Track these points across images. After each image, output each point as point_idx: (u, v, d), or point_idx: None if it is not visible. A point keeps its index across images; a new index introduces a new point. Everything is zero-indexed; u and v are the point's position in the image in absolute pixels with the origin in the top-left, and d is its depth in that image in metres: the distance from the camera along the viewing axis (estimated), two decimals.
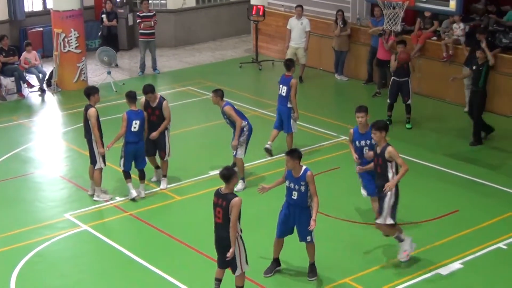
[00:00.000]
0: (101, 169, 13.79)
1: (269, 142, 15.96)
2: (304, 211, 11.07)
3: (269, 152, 15.92)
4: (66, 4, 20.73)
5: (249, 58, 23.61)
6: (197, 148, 16.71)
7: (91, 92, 13.90)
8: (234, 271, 10.38)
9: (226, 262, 10.27)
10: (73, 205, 13.76)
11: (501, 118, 17.62)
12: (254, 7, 23.16)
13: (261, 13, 22.89)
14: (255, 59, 23.24)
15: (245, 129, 14.15)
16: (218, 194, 10.19)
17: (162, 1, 25.63)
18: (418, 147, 16.37)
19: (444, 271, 11.40)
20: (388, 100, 17.64)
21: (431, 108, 19.04)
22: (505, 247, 12.10)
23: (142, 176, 14.01)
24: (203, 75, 22.15)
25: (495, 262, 11.75)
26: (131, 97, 13.91)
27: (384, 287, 10.97)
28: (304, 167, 11.00)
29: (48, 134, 17.52)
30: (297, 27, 21.27)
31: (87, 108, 13.70)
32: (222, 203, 10.07)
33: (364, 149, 12.58)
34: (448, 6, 15.35)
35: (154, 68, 22.60)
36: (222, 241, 10.21)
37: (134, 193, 13.85)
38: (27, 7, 24.59)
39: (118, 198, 13.97)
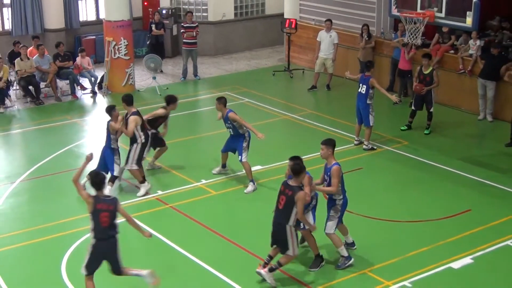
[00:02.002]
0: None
1: (356, 138, 16.63)
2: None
3: (361, 143, 16.59)
4: (117, 14, 20.90)
5: (282, 67, 23.63)
6: None
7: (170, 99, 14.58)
8: (283, 252, 10.55)
9: (277, 242, 10.57)
10: (119, 198, 13.82)
11: (508, 124, 17.36)
12: (287, 20, 23.19)
13: (293, 26, 22.92)
14: (287, 68, 23.25)
15: (246, 134, 14.17)
16: (286, 184, 10.39)
17: (204, 14, 25.73)
18: (435, 151, 16.28)
19: (456, 265, 11.33)
20: (413, 107, 17.59)
21: (447, 115, 18.91)
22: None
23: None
24: (239, 82, 22.21)
25: (503, 258, 11.66)
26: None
27: (400, 278, 10.94)
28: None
29: (98, 132, 17.66)
30: (326, 39, 21.25)
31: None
32: (288, 192, 10.26)
33: (324, 183, 11.28)
34: (465, 22, 15.23)
35: (195, 74, 22.70)
36: (277, 225, 10.52)
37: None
38: (82, 17, 24.85)
39: (159, 192, 14.05)
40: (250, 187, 14.16)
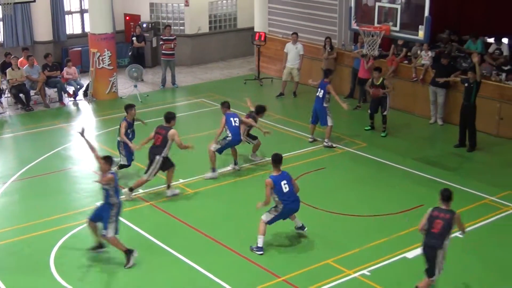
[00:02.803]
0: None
1: (310, 136, 16.88)
2: None
3: (314, 140, 16.85)
4: (101, 28, 20.77)
5: (252, 76, 23.62)
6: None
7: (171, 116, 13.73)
8: (430, 276, 9.99)
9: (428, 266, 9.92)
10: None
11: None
12: (257, 33, 23.20)
13: (262, 38, 22.93)
14: (257, 77, 23.24)
15: (227, 138, 14.57)
16: (439, 209, 9.94)
17: (181, 27, 25.64)
18: (392, 152, 16.37)
19: (410, 255, 11.42)
20: (369, 111, 17.78)
21: (402, 120, 19.02)
22: (461, 236, 12.07)
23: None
24: (214, 89, 22.15)
25: (453, 248, 11.68)
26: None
27: (360, 267, 11.00)
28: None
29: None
30: (293, 50, 21.30)
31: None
32: (445, 216, 9.85)
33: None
34: (417, 35, 15.35)
35: (173, 83, 22.61)
36: (431, 249, 9.89)
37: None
38: (69, 30, 24.65)
39: (141, 190, 13.97)
40: (210, 174, 14.52)
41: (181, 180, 14.51)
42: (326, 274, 10.83)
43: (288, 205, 11.37)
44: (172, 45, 22.04)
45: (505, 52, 19.09)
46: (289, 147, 16.39)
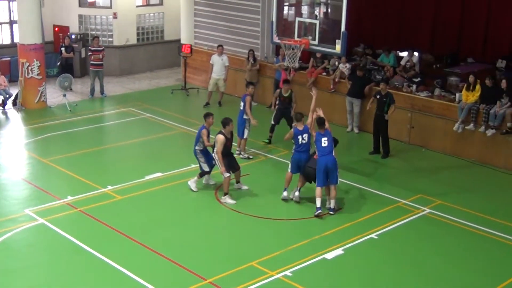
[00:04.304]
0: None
1: (237, 149, 16.30)
2: None
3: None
4: (30, 39, 20.23)
5: (179, 86, 23.46)
6: (135, 156, 16.50)
7: (225, 122, 13.81)
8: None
9: None
10: (32, 203, 13.37)
11: (371, 135, 17.79)
12: (184, 45, 23.07)
13: (189, 50, 22.83)
14: (183, 87, 23.11)
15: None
16: None
17: (110, 39, 25.26)
18: None
19: (329, 256, 11.51)
20: (273, 122, 17.55)
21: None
22: (376, 237, 12.32)
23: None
24: (142, 99, 21.88)
25: (368, 248, 11.94)
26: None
27: (282, 268, 11.00)
28: None
29: (13, 144, 17.03)
30: (218, 62, 21.27)
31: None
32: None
33: None
34: (334, 49, 15.60)
35: (102, 92, 22.21)
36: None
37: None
38: None
39: (69, 197, 13.65)
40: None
41: (110, 187, 14.25)
42: (250, 276, 10.79)
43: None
44: (101, 55, 21.68)
45: (416, 64, 19.60)
46: None
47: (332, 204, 13.27)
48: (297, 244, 11.95)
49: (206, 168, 14.20)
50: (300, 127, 13.63)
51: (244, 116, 16.19)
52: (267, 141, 17.55)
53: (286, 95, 17.23)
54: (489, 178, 15.83)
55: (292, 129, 13.79)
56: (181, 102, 22.11)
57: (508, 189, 15.18)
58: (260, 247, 11.84)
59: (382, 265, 11.39)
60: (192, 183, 14.14)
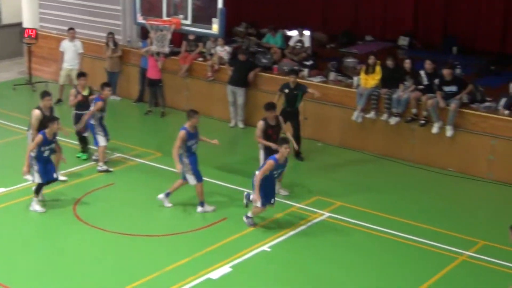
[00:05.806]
0: None
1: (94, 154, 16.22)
2: None
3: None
4: None
5: (23, 80, 22.94)
6: None
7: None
8: None
9: None
10: None
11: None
12: (27, 30, 22.56)
13: (33, 36, 22.34)
14: (28, 81, 22.62)
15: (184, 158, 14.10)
16: None
17: None
18: None
19: (214, 275, 11.60)
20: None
21: (199, 124, 19.33)
22: (269, 249, 12.57)
23: None
24: None
25: (260, 263, 12.15)
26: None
27: None
28: None
29: None
30: (70, 49, 20.99)
31: None
32: None
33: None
34: (211, 29, 15.73)
35: None
36: None
37: None
38: None
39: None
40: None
41: (2, 189, 14.17)
42: None
43: None
44: None
45: (307, 44, 20.01)
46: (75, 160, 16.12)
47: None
48: (176, 263, 11.98)
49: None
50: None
51: (91, 121, 15.67)
52: (85, 156, 16.69)
53: (84, 92, 16.38)
54: (394, 173, 16.52)
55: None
56: (27, 99, 21.61)
57: (415, 184, 15.90)
58: (130, 270, 11.77)
59: (276, 282, 11.63)
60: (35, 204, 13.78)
